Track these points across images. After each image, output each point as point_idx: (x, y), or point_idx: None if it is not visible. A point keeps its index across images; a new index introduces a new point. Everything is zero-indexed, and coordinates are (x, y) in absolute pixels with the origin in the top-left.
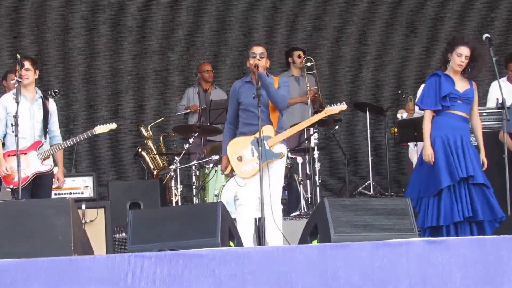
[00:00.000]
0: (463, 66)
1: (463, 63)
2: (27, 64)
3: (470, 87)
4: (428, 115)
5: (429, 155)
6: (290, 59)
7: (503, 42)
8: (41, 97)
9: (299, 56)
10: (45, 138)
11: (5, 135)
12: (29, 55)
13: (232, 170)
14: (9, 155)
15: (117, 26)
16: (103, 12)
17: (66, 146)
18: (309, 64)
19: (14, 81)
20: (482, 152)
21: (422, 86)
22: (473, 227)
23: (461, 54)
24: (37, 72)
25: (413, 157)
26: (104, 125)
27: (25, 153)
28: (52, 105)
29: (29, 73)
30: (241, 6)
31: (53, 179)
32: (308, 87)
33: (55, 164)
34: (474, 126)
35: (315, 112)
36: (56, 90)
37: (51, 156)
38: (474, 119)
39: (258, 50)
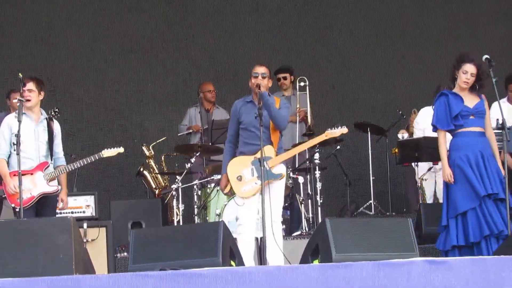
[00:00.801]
0: (468, 83)
1: (469, 80)
2: (30, 86)
3: (480, 100)
4: (442, 135)
5: (448, 174)
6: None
7: (504, 63)
8: (46, 118)
9: (279, 79)
10: (51, 160)
11: (10, 155)
12: (34, 76)
13: (232, 189)
14: (15, 175)
15: (118, 46)
16: (105, 32)
17: (73, 168)
18: (302, 84)
19: (16, 101)
20: (498, 162)
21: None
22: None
23: (467, 72)
24: (42, 93)
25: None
26: (112, 149)
27: (32, 174)
28: (56, 126)
29: (33, 94)
30: (241, 26)
31: (57, 200)
32: (298, 108)
33: (59, 185)
34: (488, 138)
35: (304, 134)
36: (56, 110)
37: (56, 177)
38: (487, 131)
39: (260, 70)
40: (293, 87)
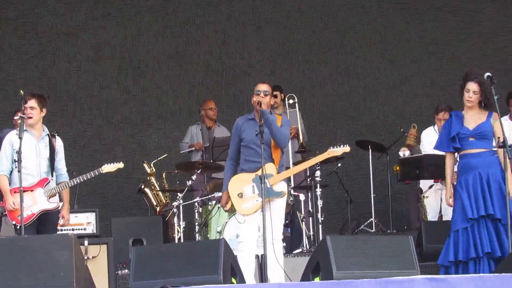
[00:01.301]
0: (471, 101)
1: (471, 98)
2: (32, 103)
3: (485, 120)
4: (446, 157)
5: (448, 198)
6: None
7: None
8: (48, 135)
9: (275, 96)
10: (52, 176)
11: (11, 172)
12: (36, 93)
13: (232, 206)
14: (15, 192)
15: (121, 63)
16: (108, 50)
17: (73, 184)
18: (291, 101)
19: (17, 118)
20: (507, 182)
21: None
22: (491, 263)
23: (469, 90)
24: (44, 110)
25: None
26: (111, 164)
27: (32, 190)
28: (59, 143)
29: (34, 112)
30: (243, 44)
31: (58, 216)
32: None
33: (61, 201)
34: (499, 157)
35: (297, 151)
36: (55, 133)
37: (57, 194)
38: (498, 150)
39: (262, 87)
40: (283, 104)
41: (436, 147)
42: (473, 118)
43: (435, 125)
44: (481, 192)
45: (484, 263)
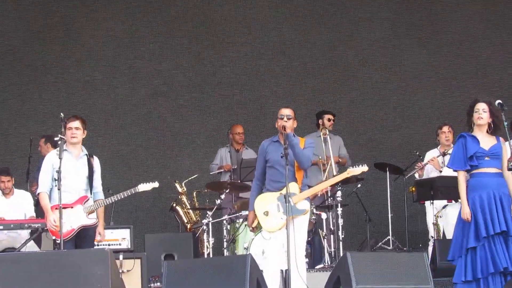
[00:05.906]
0: (483, 118)
1: (482, 115)
2: (77, 124)
3: (497, 143)
4: (460, 175)
5: (466, 213)
6: (320, 121)
7: None
8: (86, 154)
9: (329, 120)
10: (91, 194)
11: (52, 189)
12: (78, 115)
13: (258, 224)
14: (56, 208)
15: (153, 87)
16: (143, 75)
17: (110, 202)
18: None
19: (58, 139)
20: None
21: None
22: (502, 279)
23: (478, 109)
24: (85, 132)
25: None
26: (147, 183)
27: (72, 207)
28: (96, 162)
29: (78, 132)
30: (267, 70)
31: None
32: (320, 159)
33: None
34: (506, 179)
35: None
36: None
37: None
38: (504, 172)
39: (285, 112)
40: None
41: (450, 165)
42: (485, 140)
43: None
44: (495, 210)
45: (496, 280)
